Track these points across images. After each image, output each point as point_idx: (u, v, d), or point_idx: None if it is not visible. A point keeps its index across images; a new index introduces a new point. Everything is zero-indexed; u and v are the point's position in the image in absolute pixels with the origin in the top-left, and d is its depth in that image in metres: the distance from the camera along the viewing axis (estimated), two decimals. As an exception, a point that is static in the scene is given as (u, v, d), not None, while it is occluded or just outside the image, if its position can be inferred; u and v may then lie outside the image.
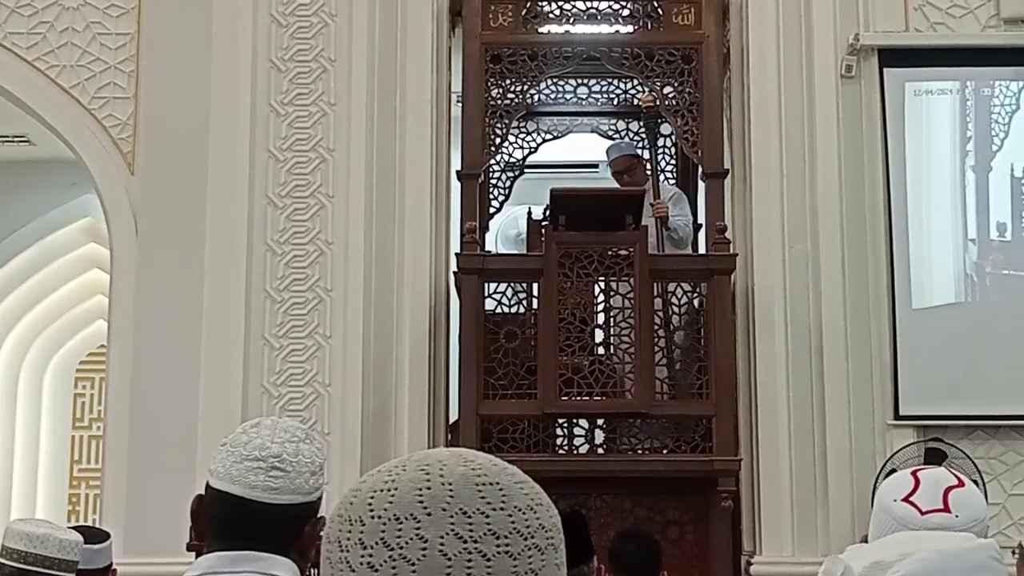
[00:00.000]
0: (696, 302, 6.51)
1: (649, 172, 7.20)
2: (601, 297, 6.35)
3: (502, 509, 1.06)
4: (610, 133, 7.59)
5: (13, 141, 9.52)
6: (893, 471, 5.18)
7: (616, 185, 7.12)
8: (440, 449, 1.13)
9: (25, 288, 10.58)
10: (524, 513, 1.07)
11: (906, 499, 2.19)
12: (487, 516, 1.05)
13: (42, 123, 7.07)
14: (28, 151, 9.62)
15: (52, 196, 10.00)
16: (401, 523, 1.05)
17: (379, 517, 1.06)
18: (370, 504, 1.07)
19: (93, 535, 4.15)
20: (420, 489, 1.06)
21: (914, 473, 2.25)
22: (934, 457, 6.18)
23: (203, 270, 6.56)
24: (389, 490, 1.07)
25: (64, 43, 6.92)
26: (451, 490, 1.06)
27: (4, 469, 10.71)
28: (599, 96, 7.33)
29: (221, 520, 2.00)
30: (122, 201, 6.83)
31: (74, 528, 4.04)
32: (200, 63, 6.69)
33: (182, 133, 6.73)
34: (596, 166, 7.62)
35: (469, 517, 1.05)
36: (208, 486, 2.02)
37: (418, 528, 1.05)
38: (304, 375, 6.46)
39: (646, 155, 7.38)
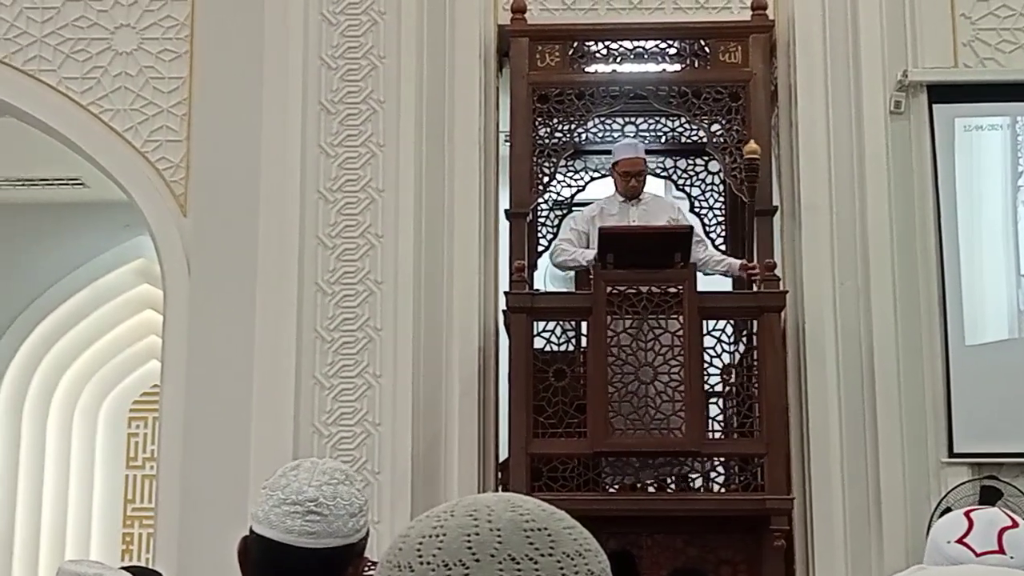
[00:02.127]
0: (746, 339, 6.48)
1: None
2: (650, 335, 6.34)
3: (551, 555, 1.06)
4: (658, 171, 7.58)
5: (67, 184, 9.66)
6: (948, 510, 5.13)
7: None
8: (488, 494, 1.13)
9: (79, 329, 10.69)
10: (573, 559, 1.07)
11: (960, 540, 2.19)
12: (536, 562, 1.06)
13: (96, 166, 7.17)
14: (82, 194, 9.75)
15: (105, 238, 10.13)
16: (450, 569, 1.05)
17: (428, 563, 1.06)
18: (419, 550, 1.07)
19: (152, 573, 4.15)
20: (469, 535, 1.07)
21: (967, 514, 2.25)
22: (989, 495, 6.11)
23: (254, 310, 6.60)
24: (438, 536, 1.07)
25: (118, 87, 7.03)
26: (499, 536, 1.06)
27: (59, 508, 10.80)
28: (647, 134, 7.34)
29: (263, 564, 2.00)
30: (174, 242, 6.90)
31: (127, 568, 4.05)
32: (251, 106, 6.76)
33: (233, 175, 6.80)
34: (644, 204, 7.63)
35: (518, 563, 1.05)
36: (251, 530, 2.02)
37: (467, 574, 1.05)
38: (354, 414, 6.48)
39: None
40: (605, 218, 6.76)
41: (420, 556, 1.07)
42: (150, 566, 5.00)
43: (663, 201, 7.00)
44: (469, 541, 1.06)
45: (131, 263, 10.25)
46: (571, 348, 6.53)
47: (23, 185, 9.81)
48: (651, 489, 6.48)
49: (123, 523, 11.30)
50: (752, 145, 6.31)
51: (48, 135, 7.18)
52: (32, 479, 10.56)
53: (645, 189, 6.92)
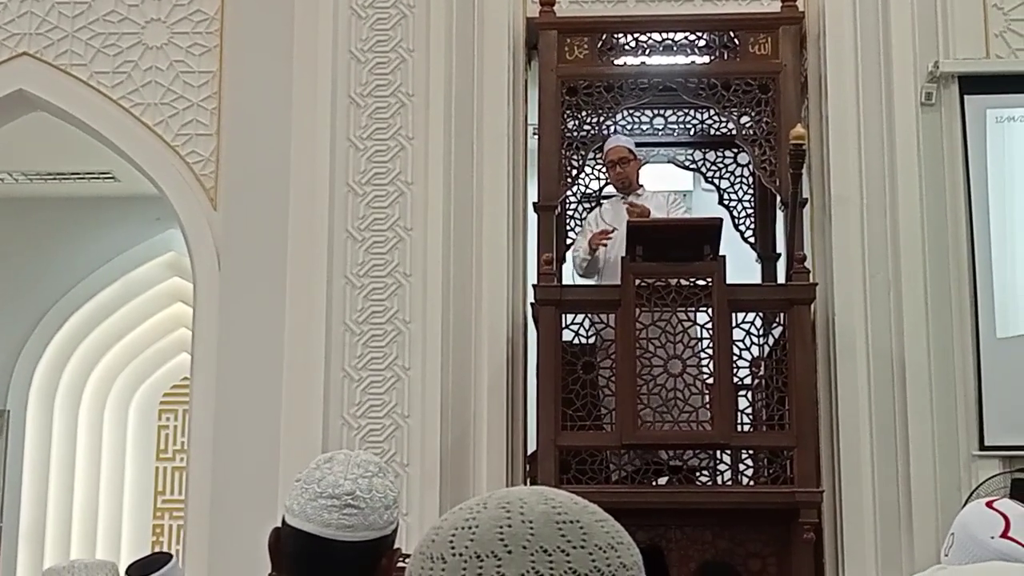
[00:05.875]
0: (776, 332, 6.46)
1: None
2: (679, 328, 6.33)
3: (583, 547, 1.07)
4: (687, 163, 7.57)
5: (99, 178, 9.73)
6: (979, 503, 5.10)
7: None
8: (521, 487, 1.14)
9: (110, 322, 10.76)
10: (605, 551, 1.08)
11: (1005, 536, 2.24)
12: (568, 554, 1.06)
13: (127, 160, 7.21)
14: (113, 187, 9.82)
15: (136, 231, 10.19)
16: (482, 561, 1.06)
17: (460, 555, 1.07)
18: (451, 542, 1.08)
19: (153, 563, 4.08)
20: (501, 527, 1.07)
21: (993, 508, 2.29)
22: (1021, 488, 6.07)
23: (284, 303, 6.63)
24: (470, 528, 1.08)
25: (148, 81, 7.06)
26: (532, 528, 1.07)
27: (90, 500, 10.87)
28: (675, 126, 7.33)
29: (298, 557, 2.00)
30: (205, 236, 6.93)
31: (136, 561, 4.05)
32: (281, 100, 6.79)
33: (263, 168, 6.83)
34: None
35: (550, 555, 1.05)
36: (284, 522, 2.03)
37: (499, 566, 1.05)
38: (383, 407, 6.50)
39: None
40: (605, 215, 6.94)
41: (453, 548, 1.08)
42: (181, 558, 5.01)
43: (657, 196, 7.00)
44: (501, 533, 1.07)
45: (162, 256, 10.31)
46: (600, 341, 6.52)
47: (54, 179, 9.89)
48: (679, 482, 6.47)
49: (153, 515, 11.37)
50: (798, 129, 6.18)
51: (79, 129, 7.23)
52: (63, 471, 10.64)
53: (647, 187, 6.98)
